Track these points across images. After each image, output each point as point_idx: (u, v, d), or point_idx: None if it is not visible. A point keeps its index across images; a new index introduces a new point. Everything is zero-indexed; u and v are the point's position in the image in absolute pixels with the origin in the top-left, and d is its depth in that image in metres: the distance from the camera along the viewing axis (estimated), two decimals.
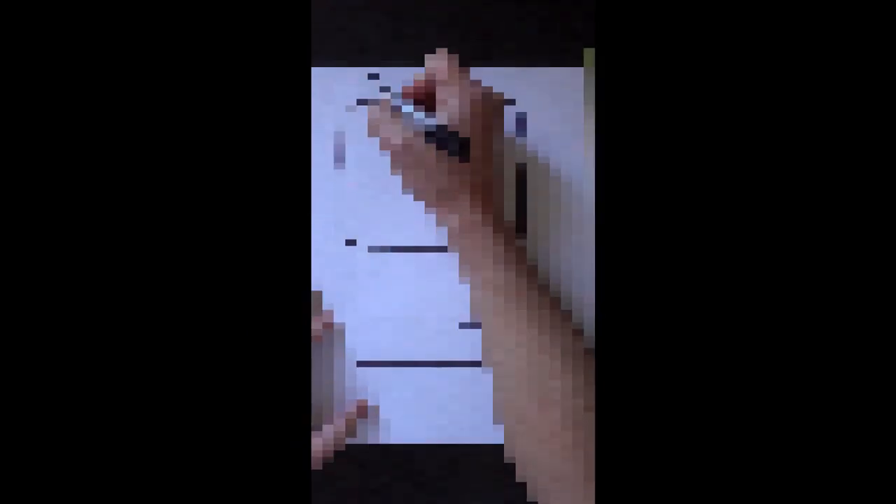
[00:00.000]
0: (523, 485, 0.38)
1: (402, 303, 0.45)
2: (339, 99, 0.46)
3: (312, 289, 0.45)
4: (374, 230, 0.46)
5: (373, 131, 0.39)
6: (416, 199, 0.40)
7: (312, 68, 0.45)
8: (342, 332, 0.45)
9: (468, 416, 0.45)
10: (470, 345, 0.45)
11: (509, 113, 0.46)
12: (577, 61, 0.46)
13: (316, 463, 0.41)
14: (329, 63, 0.46)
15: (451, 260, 0.45)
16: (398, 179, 0.45)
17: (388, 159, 0.45)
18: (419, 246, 0.45)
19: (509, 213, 0.45)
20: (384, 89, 0.43)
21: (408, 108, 0.39)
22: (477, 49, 0.46)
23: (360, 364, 0.45)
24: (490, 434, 0.45)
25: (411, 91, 0.41)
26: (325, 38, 0.46)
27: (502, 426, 0.38)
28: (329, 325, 0.45)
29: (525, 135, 0.46)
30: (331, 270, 0.45)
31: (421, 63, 0.46)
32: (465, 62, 0.46)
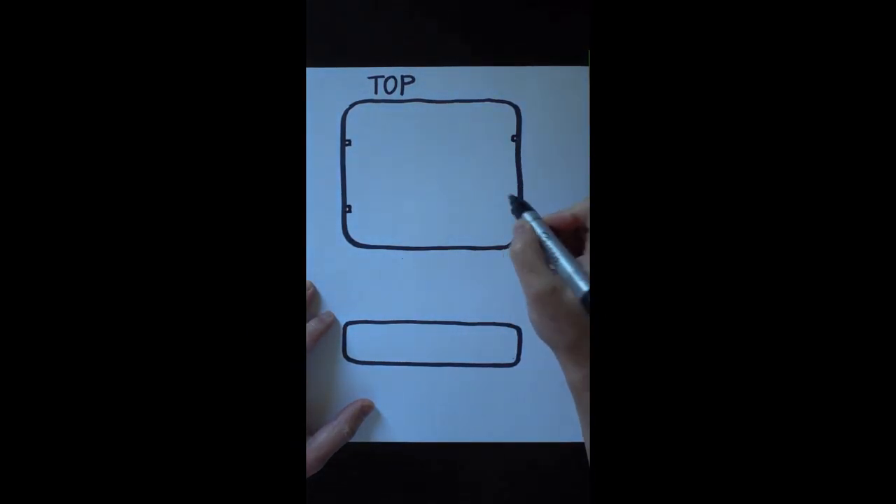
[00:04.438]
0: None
1: (402, 302, 0.45)
2: (339, 100, 0.46)
3: (313, 290, 0.45)
4: (374, 229, 0.46)
5: (518, 264, 0.37)
6: (542, 338, 0.38)
7: (310, 69, 0.46)
8: (341, 332, 0.46)
9: (468, 416, 0.45)
10: (470, 345, 0.45)
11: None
12: (577, 61, 0.46)
13: (310, 469, 0.42)
14: (328, 64, 0.46)
15: (452, 259, 0.45)
16: (397, 178, 0.45)
17: (386, 158, 0.45)
18: (420, 246, 0.45)
19: None
20: (523, 207, 0.40)
21: (550, 242, 0.37)
22: (478, 49, 0.46)
23: (360, 364, 0.45)
24: (490, 434, 0.45)
25: (558, 223, 0.39)
26: (325, 39, 0.46)
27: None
28: (328, 326, 0.45)
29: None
30: (330, 271, 0.45)
31: (421, 63, 0.46)
32: (466, 61, 0.46)
